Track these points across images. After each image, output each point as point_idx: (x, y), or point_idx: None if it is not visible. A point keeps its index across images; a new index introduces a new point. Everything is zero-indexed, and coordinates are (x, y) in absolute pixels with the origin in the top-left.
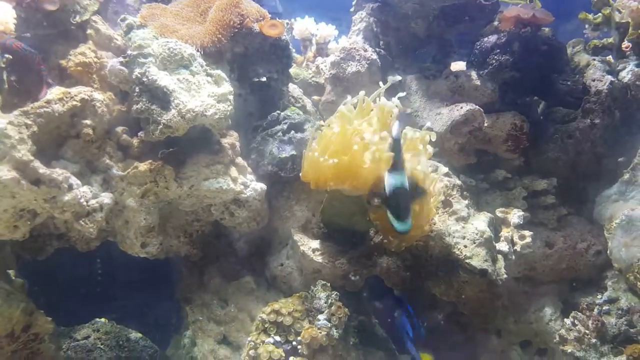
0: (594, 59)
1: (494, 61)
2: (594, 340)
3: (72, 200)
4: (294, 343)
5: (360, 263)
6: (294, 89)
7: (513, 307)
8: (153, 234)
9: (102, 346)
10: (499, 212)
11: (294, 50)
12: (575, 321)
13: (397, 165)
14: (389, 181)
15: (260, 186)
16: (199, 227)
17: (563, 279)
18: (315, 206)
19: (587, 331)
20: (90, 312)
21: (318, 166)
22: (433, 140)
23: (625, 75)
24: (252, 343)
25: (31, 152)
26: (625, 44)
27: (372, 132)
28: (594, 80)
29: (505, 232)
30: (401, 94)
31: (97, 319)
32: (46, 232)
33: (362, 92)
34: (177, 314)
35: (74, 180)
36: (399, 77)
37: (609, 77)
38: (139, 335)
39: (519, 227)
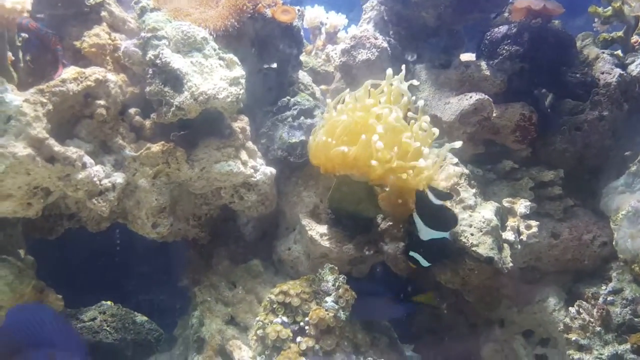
0: (603, 52)
1: (504, 51)
2: (598, 329)
3: (85, 179)
4: (302, 324)
5: (368, 249)
6: (303, 76)
7: (517, 297)
8: (164, 214)
9: (108, 328)
10: (505, 202)
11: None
12: (580, 309)
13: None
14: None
15: (270, 170)
16: (207, 210)
17: (568, 270)
18: (323, 192)
19: (591, 319)
20: (95, 296)
21: (327, 150)
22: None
23: (635, 69)
24: (260, 323)
25: (46, 130)
26: (635, 39)
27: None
28: (602, 73)
29: (511, 222)
30: (414, 82)
31: (103, 302)
32: (57, 212)
33: (368, 82)
34: (182, 298)
35: (87, 159)
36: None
37: (618, 70)
38: (145, 318)
39: (525, 217)
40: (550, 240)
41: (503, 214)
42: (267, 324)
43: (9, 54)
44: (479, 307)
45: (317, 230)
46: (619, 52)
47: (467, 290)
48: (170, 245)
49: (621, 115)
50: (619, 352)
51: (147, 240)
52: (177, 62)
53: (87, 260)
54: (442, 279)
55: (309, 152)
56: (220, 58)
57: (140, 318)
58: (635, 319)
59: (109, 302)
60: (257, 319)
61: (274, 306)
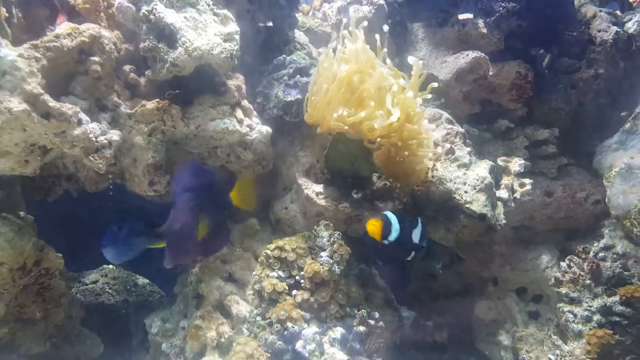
0: (601, 10)
1: (501, 8)
2: (588, 282)
3: (81, 135)
4: (297, 278)
5: (363, 207)
6: (299, 35)
7: (510, 256)
8: (161, 172)
9: (110, 290)
10: (500, 161)
11: None
12: (571, 263)
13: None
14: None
15: (266, 129)
16: None
17: (561, 228)
18: (319, 152)
19: (582, 273)
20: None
21: (323, 109)
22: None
23: (631, 27)
24: (257, 277)
25: (41, 86)
26: None
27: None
28: (599, 31)
29: (505, 180)
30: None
31: (105, 266)
32: (55, 173)
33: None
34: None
35: (83, 116)
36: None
37: (615, 28)
38: (146, 281)
39: (519, 175)
40: (543, 199)
41: (497, 173)
42: (264, 278)
43: (3, 9)
44: (472, 264)
45: (313, 189)
46: (618, 11)
47: (461, 247)
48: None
49: (617, 74)
50: (608, 304)
51: (145, 203)
52: (171, 17)
53: (85, 223)
54: (436, 237)
55: (304, 110)
56: (215, 14)
57: (141, 280)
58: (625, 273)
59: (110, 266)
60: (254, 273)
61: (270, 261)
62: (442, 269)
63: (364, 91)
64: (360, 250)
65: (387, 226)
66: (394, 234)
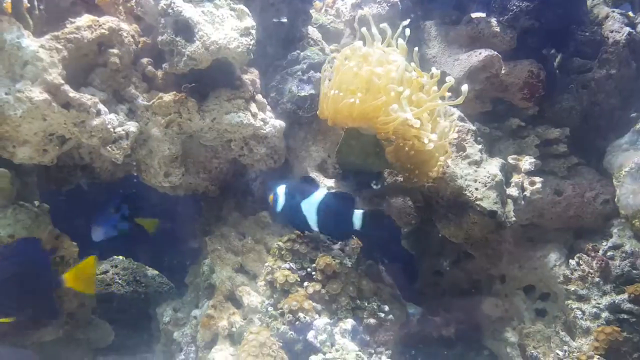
0: (614, 11)
1: (514, 7)
2: (597, 279)
3: (100, 125)
4: (309, 269)
5: (373, 202)
6: (313, 31)
7: (518, 253)
8: (176, 164)
9: (120, 281)
10: (511, 159)
11: None
12: (580, 261)
13: None
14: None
15: (279, 123)
16: (217, 164)
17: (570, 227)
18: (331, 147)
19: (591, 271)
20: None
21: (336, 103)
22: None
23: None
24: (269, 268)
25: (61, 76)
26: None
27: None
28: (612, 32)
29: (516, 178)
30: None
31: (115, 257)
32: (71, 163)
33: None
34: (193, 256)
35: (101, 107)
36: None
37: (627, 29)
38: (156, 272)
39: (530, 173)
40: (553, 197)
41: (508, 171)
42: (276, 269)
43: (24, 0)
44: (481, 262)
45: (325, 184)
46: (630, 12)
47: (470, 244)
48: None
49: (629, 74)
50: (617, 301)
51: (159, 196)
52: (189, 11)
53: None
54: (446, 233)
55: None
56: (231, 9)
57: (151, 272)
58: (634, 271)
59: (120, 257)
60: (266, 264)
61: (283, 252)
62: (449, 266)
63: (381, 86)
64: (369, 246)
65: (275, 198)
66: (278, 207)
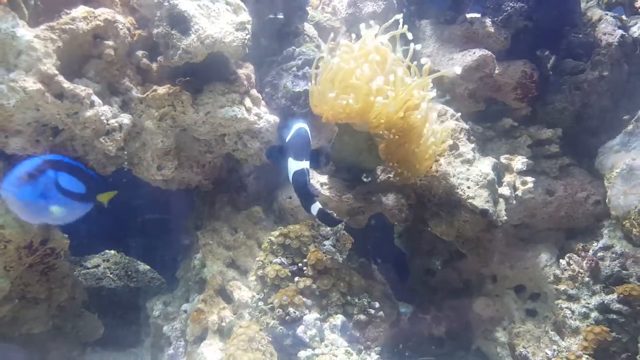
0: (607, 14)
1: (508, 8)
2: (587, 279)
3: (93, 117)
4: (300, 265)
5: (366, 199)
6: (309, 28)
7: (510, 253)
8: (169, 157)
9: (111, 275)
10: (503, 159)
11: None
12: (570, 261)
13: None
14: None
15: (274, 118)
16: (211, 159)
17: (561, 227)
18: (325, 144)
19: (581, 270)
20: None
21: (328, 99)
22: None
23: (636, 31)
24: (260, 262)
25: (56, 67)
26: (639, 2)
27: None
28: (604, 34)
29: (508, 178)
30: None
31: (107, 251)
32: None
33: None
34: (184, 251)
35: (95, 98)
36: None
37: (620, 31)
38: (147, 267)
39: (522, 173)
40: (545, 197)
41: (500, 170)
42: (267, 264)
43: None
44: (472, 261)
45: (318, 179)
46: (623, 15)
47: (461, 242)
48: (174, 194)
49: (621, 77)
50: (606, 301)
51: (151, 190)
52: (185, 4)
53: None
54: (437, 231)
55: (310, 100)
56: (227, 3)
57: (143, 266)
58: (624, 272)
59: (112, 251)
60: (257, 259)
61: (274, 247)
62: (441, 265)
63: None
64: (361, 243)
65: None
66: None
